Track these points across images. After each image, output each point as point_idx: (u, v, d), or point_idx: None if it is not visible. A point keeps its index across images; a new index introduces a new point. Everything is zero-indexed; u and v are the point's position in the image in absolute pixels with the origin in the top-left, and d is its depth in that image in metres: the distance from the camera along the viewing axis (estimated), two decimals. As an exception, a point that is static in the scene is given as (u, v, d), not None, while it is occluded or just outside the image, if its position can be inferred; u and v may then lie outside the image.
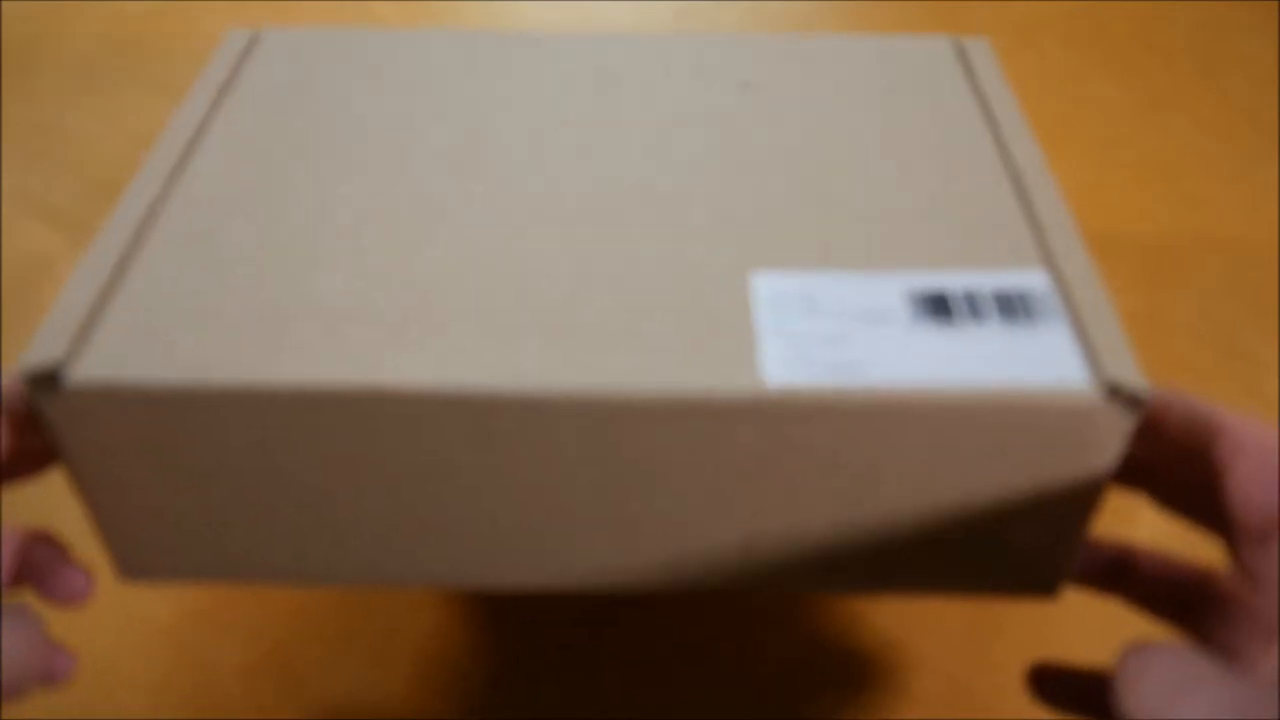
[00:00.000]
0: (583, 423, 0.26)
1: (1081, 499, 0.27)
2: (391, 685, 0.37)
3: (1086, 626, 0.38)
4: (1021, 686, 0.37)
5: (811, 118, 0.34)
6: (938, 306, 0.26)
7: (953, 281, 0.27)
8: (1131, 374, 0.25)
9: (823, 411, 0.25)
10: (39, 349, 0.25)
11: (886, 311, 0.26)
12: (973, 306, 0.26)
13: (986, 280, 0.27)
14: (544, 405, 0.25)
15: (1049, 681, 0.30)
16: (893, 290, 0.27)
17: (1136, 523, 0.40)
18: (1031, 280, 0.27)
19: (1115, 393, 0.25)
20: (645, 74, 0.36)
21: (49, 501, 0.39)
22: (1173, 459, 0.26)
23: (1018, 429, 0.25)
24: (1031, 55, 0.51)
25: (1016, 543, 0.29)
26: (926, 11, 0.52)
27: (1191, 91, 0.49)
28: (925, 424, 0.25)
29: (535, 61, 0.36)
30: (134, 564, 0.30)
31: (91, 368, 0.25)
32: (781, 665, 0.37)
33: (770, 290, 0.27)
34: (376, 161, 0.31)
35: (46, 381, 0.25)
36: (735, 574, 0.30)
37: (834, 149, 0.32)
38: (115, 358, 0.25)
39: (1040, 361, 0.25)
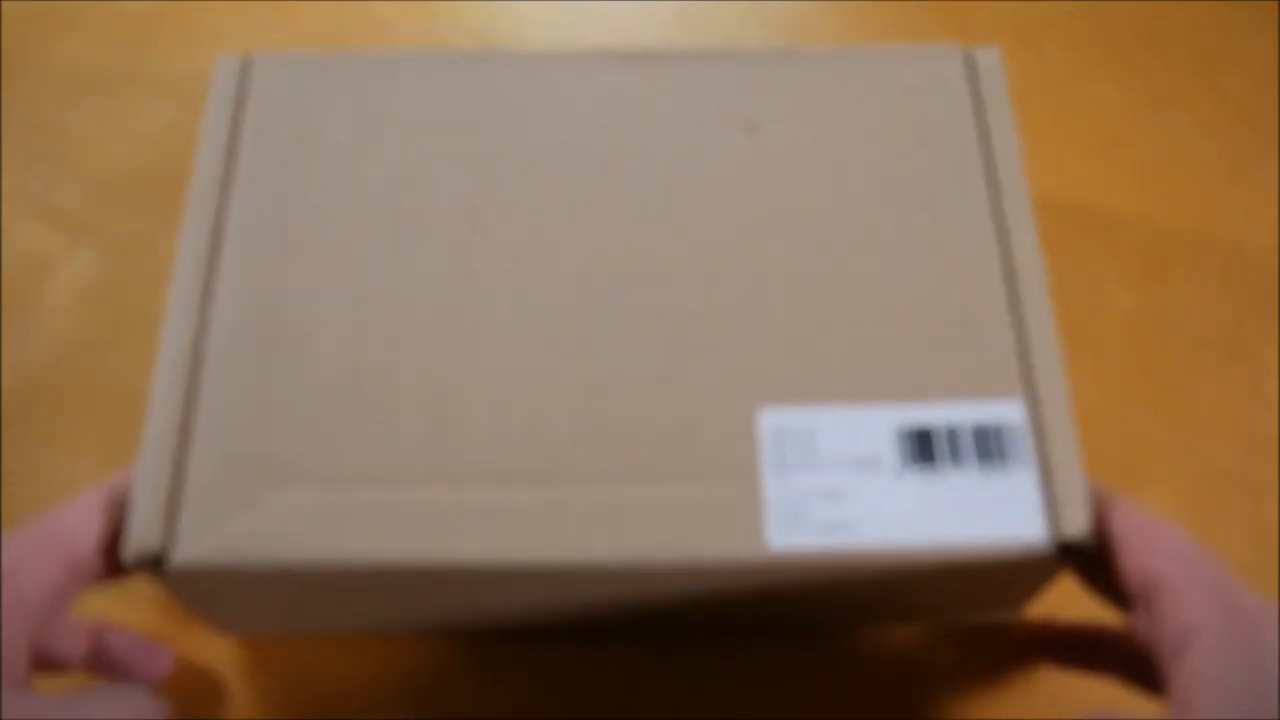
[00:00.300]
0: (605, 576, 0.30)
1: (1030, 591, 0.34)
2: (398, 685, 0.37)
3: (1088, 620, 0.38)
4: (1022, 686, 0.37)
5: (812, 177, 0.34)
6: (922, 448, 0.30)
7: (937, 416, 0.30)
8: (1082, 527, 0.29)
9: (818, 567, 0.29)
10: (138, 534, 0.29)
11: (877, 458, 0.30)
12: (953, 447, 0.30)
13: (968, 413, 0.30)
14: (575, 570, 0.29)
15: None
16: (883, 428, 0.30)
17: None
18: (1009, 413, 0.30)
19: (1066, 547, 0.29)
20: (648, 114, 0.35)
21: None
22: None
23: (983, 568, 0.30)
24: (1031, 55, 0.51)
25: (978, 609, 0.36)
26: (926, 11, 0.52)
27: (1191, 91, 0.50)
28: (905, 570, 0.30)
29: (535, 108, 0.35)
30: (224, 630, 0.36)
31: (188, 550, 0.29)
32: (779, 665, 0.37)
33: (773, 425, 0.30)
34: (381, 248, 0.33)
35: (151, 563, 0.29)
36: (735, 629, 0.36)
37: (833, 218, 0.33)
38: (207, 538, 0.29)
39: (1007, 513, 0.29)
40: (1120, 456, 0.41)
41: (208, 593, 0.32)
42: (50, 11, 0.52)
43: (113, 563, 0.29)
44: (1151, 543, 0.27)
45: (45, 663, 0.31)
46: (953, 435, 0.30)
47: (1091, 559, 0.29)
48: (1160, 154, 0.48)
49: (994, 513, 0.29)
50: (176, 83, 0.50)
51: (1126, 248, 0.46)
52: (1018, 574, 0.31)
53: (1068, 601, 0.34)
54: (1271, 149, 0.48)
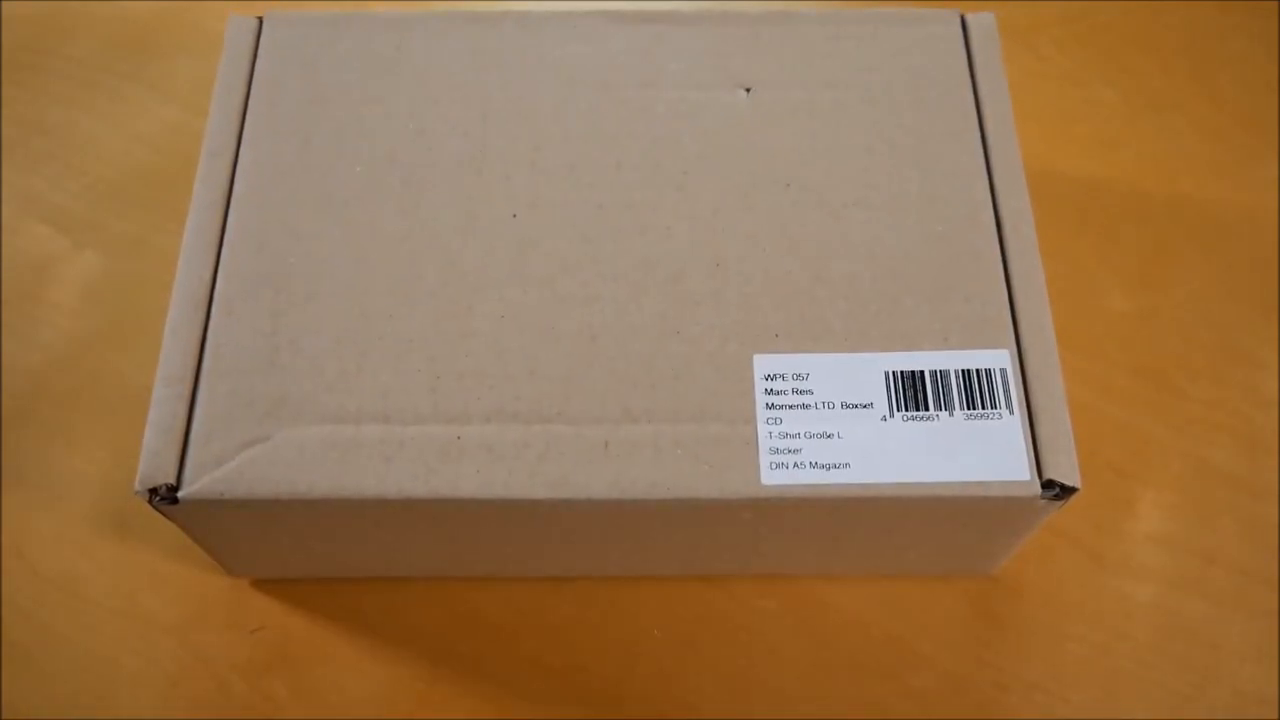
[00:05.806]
0: (605, 511, 0.31)
1: (1016, 535, 0.34)
2: (400, 683, 0.37)
3: (1085, 622, 0.38)
4: (1021, 686, 0.37)
5: (809, 135, 0.35)
6: (913, 393, 0.31)
7: (927, 363, 0.31)
8: (1068, 471, 0.30)
9: (809, 503, 0.30)
10: (152, 468, 0.30)
11: (869, 403, 0.31)
12: (943, 393, 0.31)
13: (957, 361, 0.31)
14: (570, 506, 0.30)
15: None
16: (875, 374, 0.31)
17: (1136, 516, 0.41)
18: (997, 361, 0.31)
19: (1050, 486, 0.30)
20: (649, 73, 0.36)
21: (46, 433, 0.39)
22: None
23: (971, 511, 0.31)
24: (1030, 57, 0.51)
25: (964, 552, 0.36)
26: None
27: (1188, 93, 0.50)
28: (895, 509, 0.31)
29: (539, 67, 0.36)
30: (232, 569, 0.37)
31: (199, 482, 0.30)
32: (781, 664, 0.37)
33: (768, 369, 0.31)
34: (387, 199, 0.34)
35: (164, 496, 0.30)
36: (733, 570, 0.37)
37: (829, 175, 0.34)
38: (217, 471, 0.30)
39: (994, 457, 0.30)
40: (1118, 457, 0.41)
41: (218, 527, 0.33)
42: (53, 12, 0.52)
43: None
44: None
45: None
46: (943, 382, 0.31)
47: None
48: (1157, 156, 0.48)
49: (982, 456, 0.30)
50: (179, 84, 0.50)
51: (1124, 249, 0.46)
52: (1003, 517, 0.32)
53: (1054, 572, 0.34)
54: (1267, 150, 0.48)
